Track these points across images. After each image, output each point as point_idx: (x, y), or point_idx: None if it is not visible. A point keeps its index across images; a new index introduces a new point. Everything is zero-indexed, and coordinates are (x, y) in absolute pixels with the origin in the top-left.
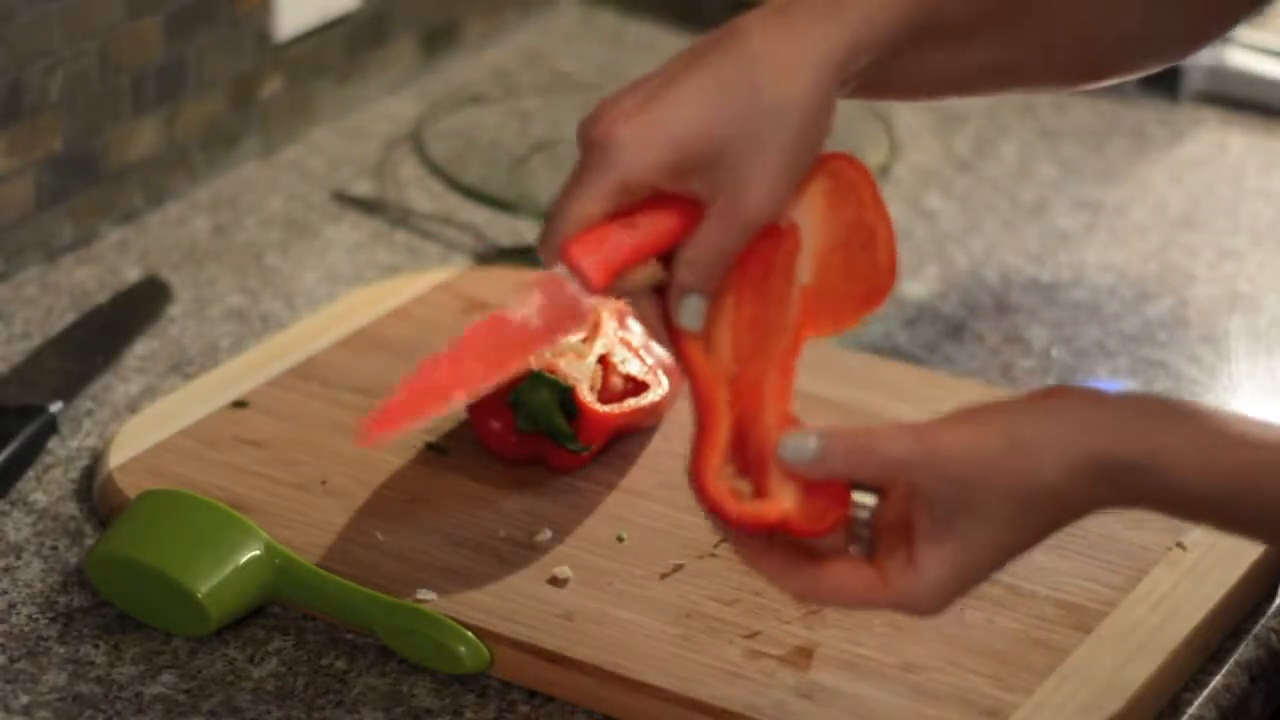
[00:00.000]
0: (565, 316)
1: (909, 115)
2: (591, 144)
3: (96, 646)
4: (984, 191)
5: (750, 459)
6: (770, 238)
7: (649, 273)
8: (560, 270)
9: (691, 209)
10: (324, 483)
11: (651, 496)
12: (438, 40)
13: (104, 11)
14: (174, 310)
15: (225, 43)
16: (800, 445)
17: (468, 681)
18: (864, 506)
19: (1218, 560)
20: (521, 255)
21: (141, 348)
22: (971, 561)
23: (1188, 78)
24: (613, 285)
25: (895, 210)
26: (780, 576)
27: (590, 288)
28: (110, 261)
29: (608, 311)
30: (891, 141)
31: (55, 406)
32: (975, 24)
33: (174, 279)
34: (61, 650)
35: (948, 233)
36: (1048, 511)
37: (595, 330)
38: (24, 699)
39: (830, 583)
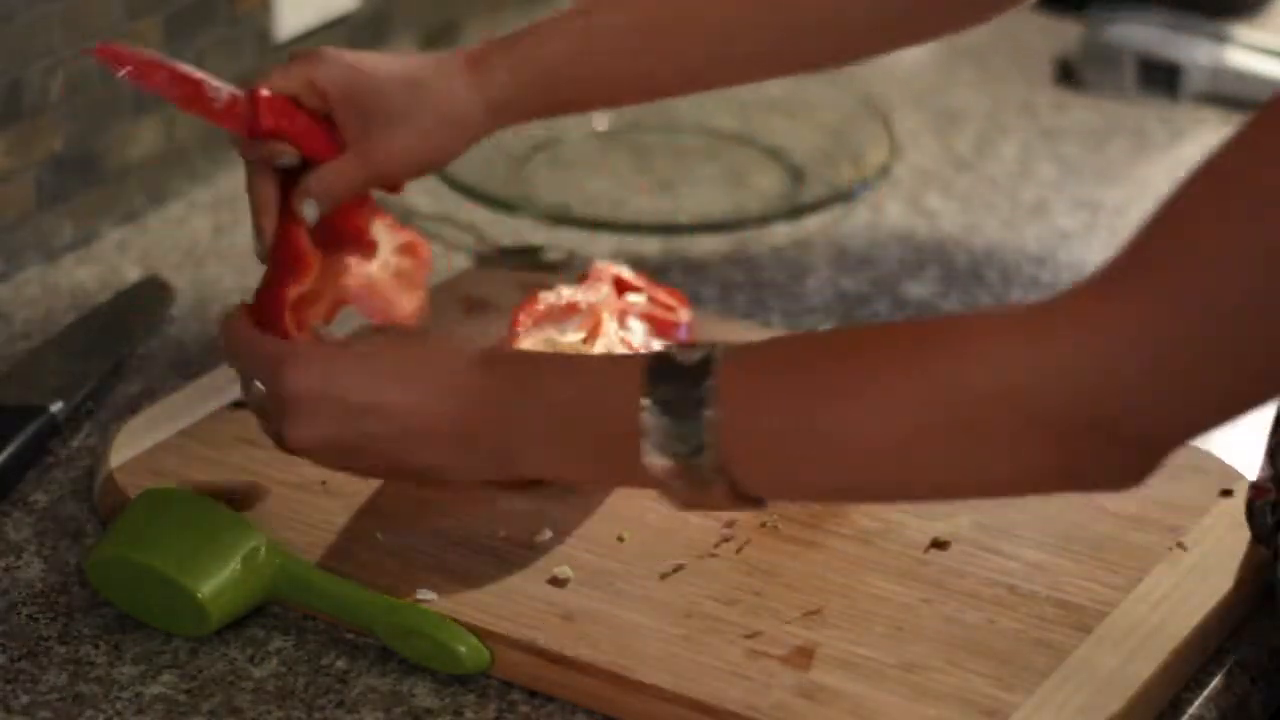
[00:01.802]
0: (217, 114)
1: (909, 115)
2: (307, 51)
3: (97, 646)
4: (984, 191)
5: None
6: (367, 209)
7: (289, 153)
8: (239, 95)
9: (338, 143)
10: (324, 483)
11: (652, 496)
12: (438, 40)
13: (104, 11)
14: (175, 310)
15: (225, 43)
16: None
17: (468, 681)
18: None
19: (1218, 560)
20: (522, 255)
21: (142, 348)
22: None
23: (1188, 78)
24: (266, 134)
25: (897, 210)
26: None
27: (259, 123)
28: (110, 261)
29: (609, 313)
30: (891, 141)
31: (56, 406)
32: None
33: (174, 279)
34: (62, 650)
35: (948, 233)
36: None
37: (595, 330)
38: (24, 699)
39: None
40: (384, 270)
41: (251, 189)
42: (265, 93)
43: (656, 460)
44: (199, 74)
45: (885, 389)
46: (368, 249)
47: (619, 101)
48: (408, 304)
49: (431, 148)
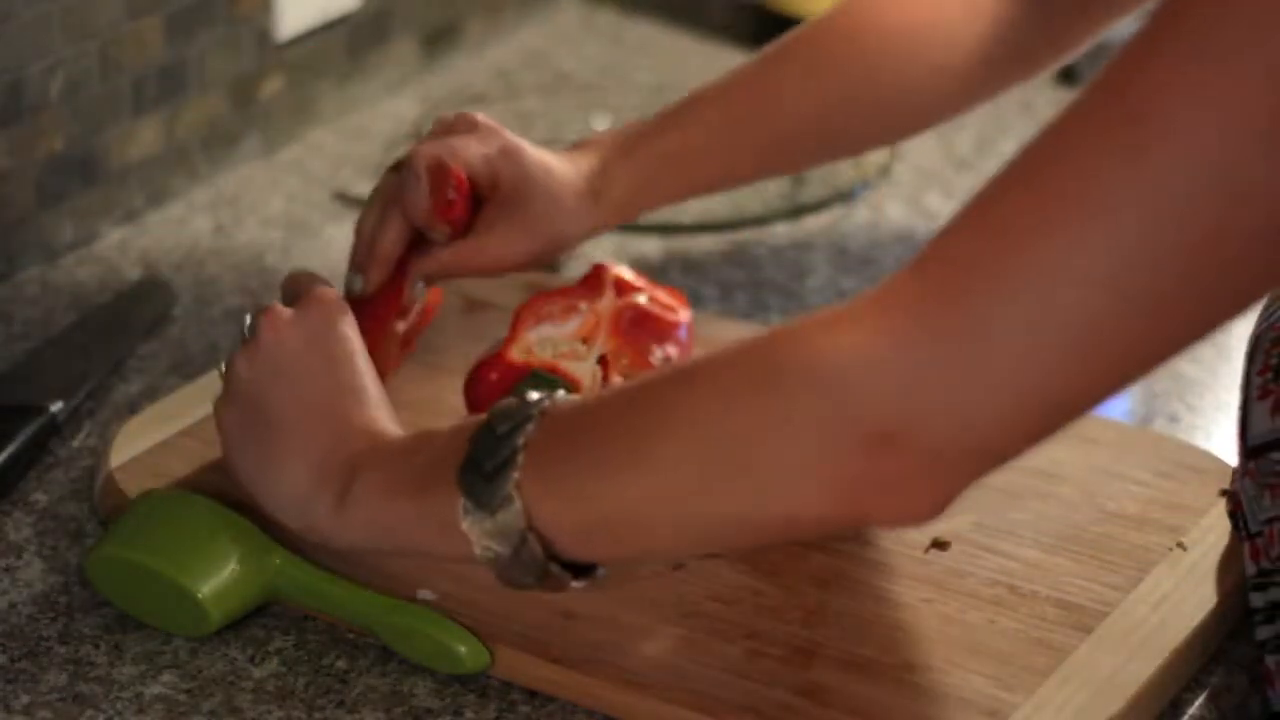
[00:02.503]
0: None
1: None
2: (462, 116)
3: (97, 646)
4: None
5: None
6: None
7: (443, 234)
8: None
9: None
10: None
11: None
12: (438, 40)
13: (104, 11)
14: (175, 310)
15: (225, 43)
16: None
17: (468, 681)
18: None
19: (1218, 560)
20: None
21: (142, 348)
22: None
23: None
24: (447, 219)
25: (897, 210)
26: None
27: (453, 213)
28: (111, 261)
29: (609, 312)
30: None
31: (56, 406)
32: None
33: (174, 279)
34: (62, 650)
35: None
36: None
37: (596, 330)
38: (24, 699)
39: None
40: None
41: (379, 236)
42: (461, 174)
43: (472, 525)
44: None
45: (658, 452)
46: (405, 312)
47: (730, 186)
48: (397, 360)
49: (538, 249)
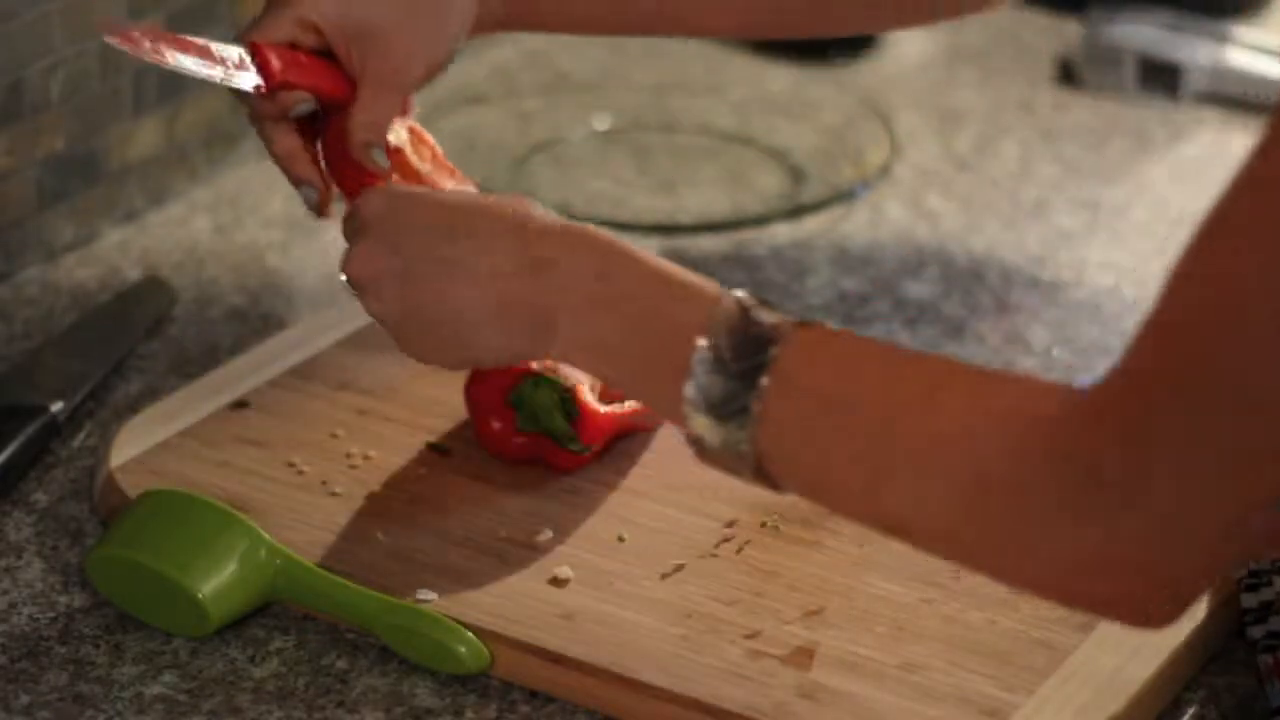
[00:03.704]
0: (228, 69)
1: (909, 115)
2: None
3: (97, 646)
4: (984, 191)
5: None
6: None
7: (305, 99)
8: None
9: (347, 76)
10: (324, 483)
11: (652, 496)
12: None
13: (104, 11)
14: (175, 310)
15: (226, 43)
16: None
17: (468, 682)
18: None
19: None
20: None
21: (142, 348)
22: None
23: (1188, 78)
24: (278, 86)
25: (897, 210)
26: None
27: (269, 77)
28: (111, 261)
29: None
30: (892, 141)
31: (56, 406)
32: None
33: (175, 279)
34: (62, 650)
35: (948, 233)
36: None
37: None
38: (25, 699)
39: None
40: (423, 163)
41: (274, 145)
42: (263, 43)
43: (693, 399)
44: (202, 40)
45: (933, 474)
46: (396, 156)
47: (585, 29)
48: (460, 181)
49: (431, 46)
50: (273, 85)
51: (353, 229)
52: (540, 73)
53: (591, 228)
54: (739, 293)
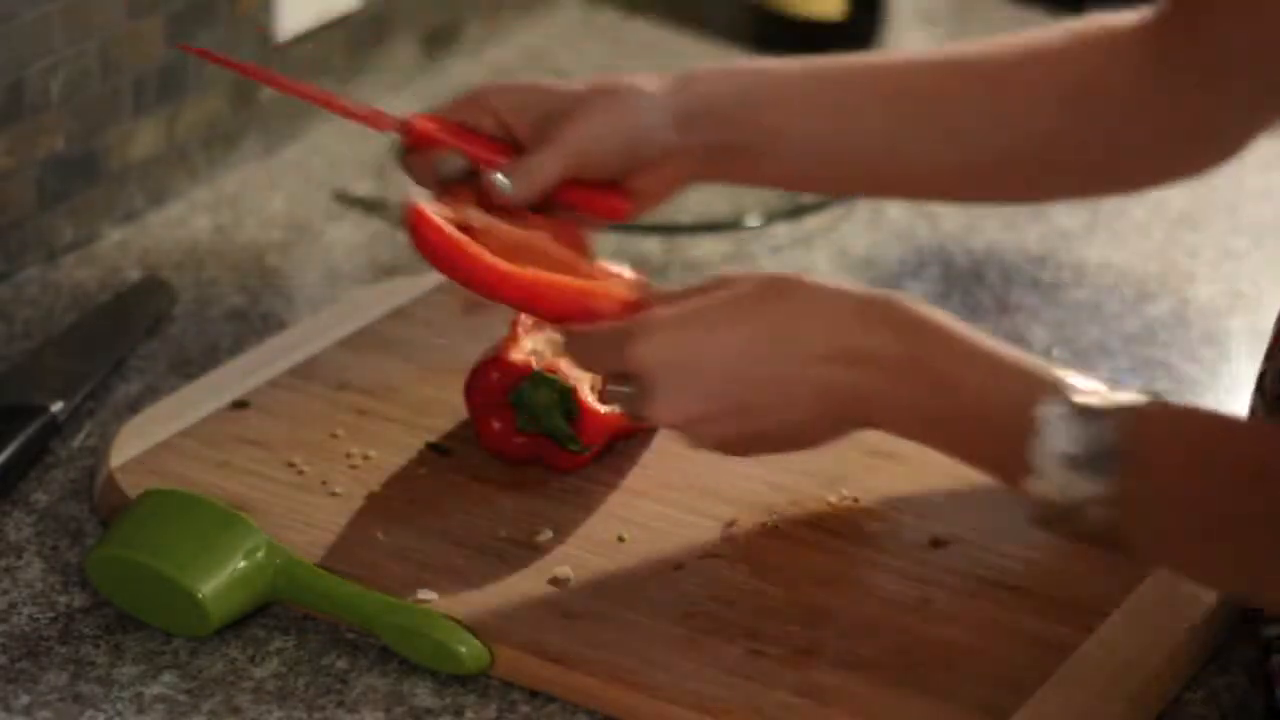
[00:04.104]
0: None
1: None
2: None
3: (97, 646)
4: None
5: None
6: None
7: (454, 161)
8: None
9: (507, 149)
10: (324, 483)
11: (652, 496)
12: (438, 40)
13: (104, 11)
14: (175, 310)
15: (225, 43)
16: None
17: (468, 682)
18: None
19: None
20: None
21: (142, 348)
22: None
23: None
24: (422, 141)
25: (897, 210)
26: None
27: (408, 128)
28: (111, 261)
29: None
30: None
31: (56, 406)
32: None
33: (175, 279)
34: (62, 650)
35: (948, 233)
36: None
37: None
38: (25, 699)
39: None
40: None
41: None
42: (418, 120)
43: (1046, 466)
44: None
45: None
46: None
47: (798, 186)
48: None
49: (622, 138)
50: (411, 137)
51: (636, 380)
52: (540, 73)
53: (887, 298)
54: (1067, 374)
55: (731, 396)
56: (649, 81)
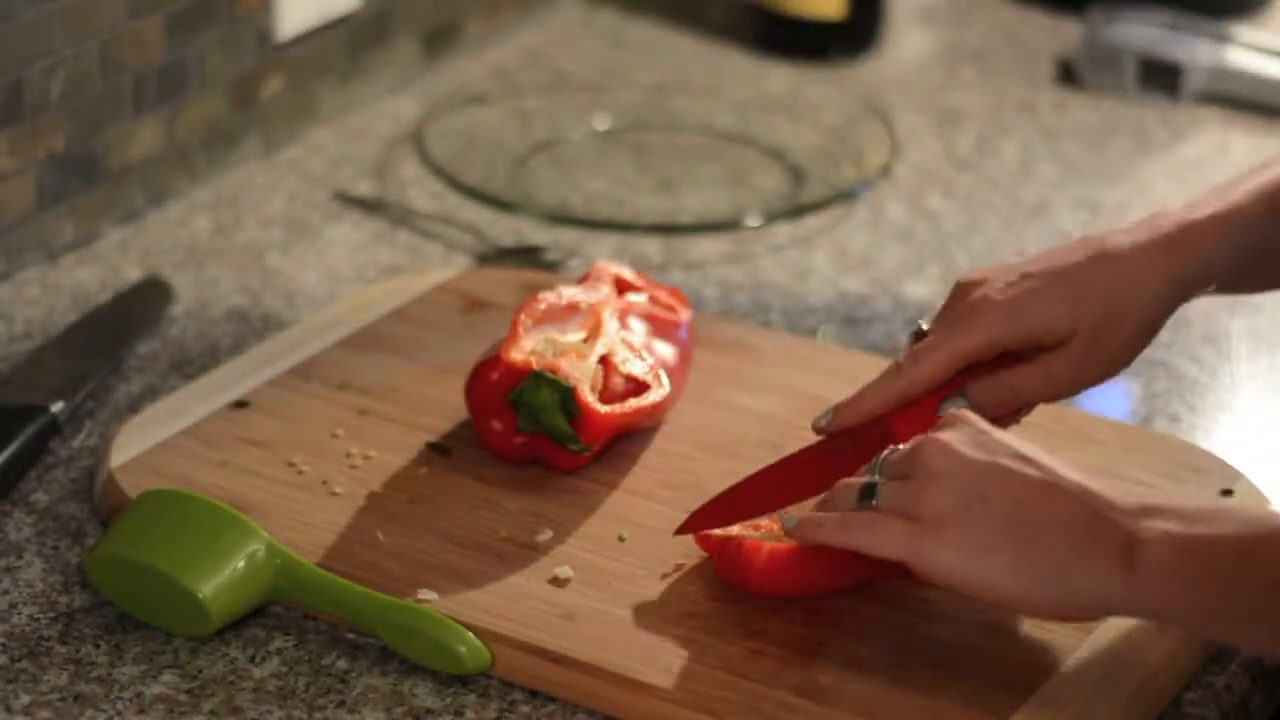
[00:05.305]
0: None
1: (910, 115)
2: (962, 300)
3: (97, 646)
4: (984, 191)
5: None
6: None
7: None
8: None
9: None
10: (325, 483)
11: (652, 496)
12: (438, 40)
13: (104, 11)
14: (175, 310)
15: (226, 43)
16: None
17: (469, 682)
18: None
19: None
20: (522, 255)
21: (142, 348)
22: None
23: (1188, 78)
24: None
25: (896, 210)
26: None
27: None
28: (111, 261)
29: (609, 312)
30: (892, 141)
31: (56, 406)
32: None
33: (175, 279)
34: (62, 650)
35: (949, 233)
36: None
37: (596, 330)
38: (25, 699)
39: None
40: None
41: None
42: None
43: None
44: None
45: None
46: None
47: None
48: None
49: (1144, 338)
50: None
51: (920, 517)
52: (540, 73)
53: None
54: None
55: (979, 519)
56: (1154, 256)
